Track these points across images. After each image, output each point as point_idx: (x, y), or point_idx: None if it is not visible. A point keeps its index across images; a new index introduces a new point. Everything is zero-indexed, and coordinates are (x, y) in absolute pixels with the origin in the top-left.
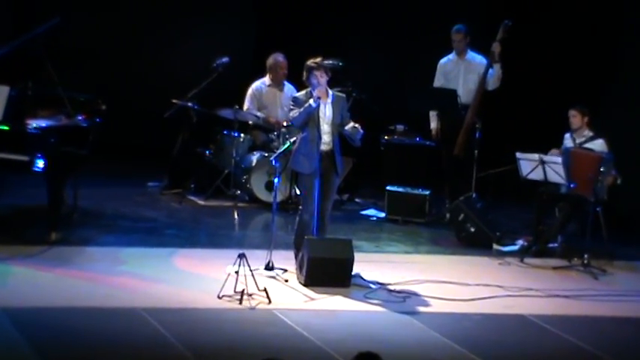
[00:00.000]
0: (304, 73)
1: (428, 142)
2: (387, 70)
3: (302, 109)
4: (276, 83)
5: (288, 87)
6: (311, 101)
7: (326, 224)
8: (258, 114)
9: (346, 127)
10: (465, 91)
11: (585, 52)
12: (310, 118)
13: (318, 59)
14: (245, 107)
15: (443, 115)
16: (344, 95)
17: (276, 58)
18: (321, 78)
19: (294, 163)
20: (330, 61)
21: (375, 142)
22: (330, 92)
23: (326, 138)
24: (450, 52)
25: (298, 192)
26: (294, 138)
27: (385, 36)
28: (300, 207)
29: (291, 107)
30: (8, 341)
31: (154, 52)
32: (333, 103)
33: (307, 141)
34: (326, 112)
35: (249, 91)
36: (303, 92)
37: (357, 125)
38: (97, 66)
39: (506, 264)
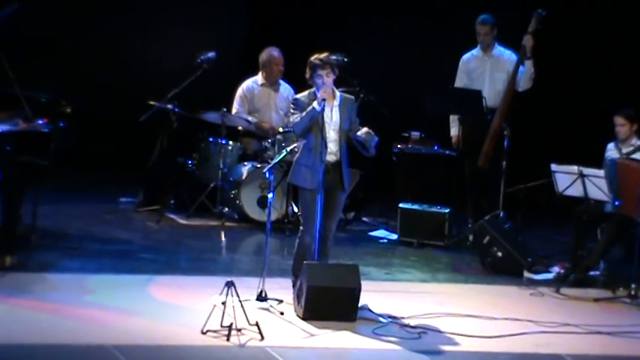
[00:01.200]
0: (307, 72)
1: (448, 152)
2: (399, 66)
3: (304, 114)
4: (271, 82)
5: (284, 87)
6: (315, 104)
7: (329, 247)
8: (250, 118)
9: (358, 133)
10: (492, 92)
11: (633, 47)
12: (314, 124)
13: (324, 55)
14: (234, 110)
15: (465, 120)
16: (352, 97)
17: (271, 53)
18: (327, 77)
19: (293, 176)
20: (335, 57)
21: (386, 151)
22: (338, 93)
23: (332, 147)
24: (474, 47)
25: (297, 210)
26: (293, 146)
27: (397, 27)
28: (300, 227)
29: (292, 111)
30: None
31: (129, 45)
32: (340, 105)
33: (310, 150)
34: (332, 117)
35: (239, 91)
36: (305, 93)
37: (370, 130)
38: (61, 60)
39: (539, 295)
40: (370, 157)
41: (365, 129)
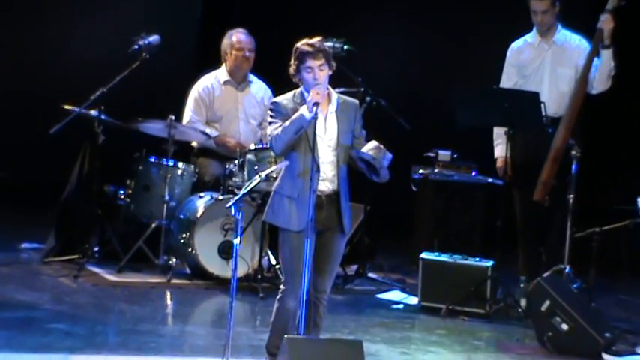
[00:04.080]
0: (292, 63)
1: (490, 180)
2: (421, 59)
3: (287, 123)
4: (237, 78)
5: (258, 85)
6: (302, 110)
7: (321, 315)
8: (208, 130)
9: (363, 149)
10: (554, 94)
11: None
12: (301, 138)
13: (315, 40)
14: (186, 119)
15: (516, 136)
16: (356, 101)
17: (236, 37)
18: (319, 71)
19: (271, 213)
20: (331, 44)
21: (402, 178)
22: (335, 95)
23: (327, 171)
24: (527, 31)
25: (275, 261)
26: (270, 170)
27: (419, 4)
28: (281, 286)
29: (269, 119)
30: None
31: (33, 29)
32: (338, 112)
33: (295, 176)
34: (327, 128)
35: (193, 92)
36: (288, 95)
37: (381, 145)
38: None
39: None
40: (382, 182)
41: (373, 143)
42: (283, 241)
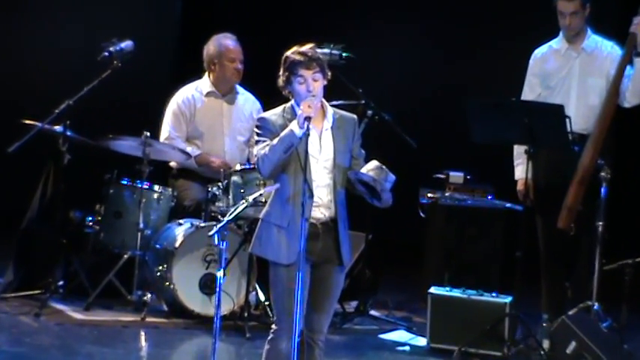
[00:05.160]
0: (281, 74)
1: (509, 205)
2: (428, 68)
3: (275, 141)
4: (223, 90)
5: (246, 97)
6: (293, 125)
7: (317, 358)
8: (188, 148)
9: (363, 170)
10: (582, 107)
11: None
12: (292, 158)
13: (308, 47)
14: (163, 135)
15: (538, 155)
16: (354, 116)
17: (222, 43)
18: (313, 82)
19: (259, 244)
20: (327, 50)
21: (409, 203)
22: (331, 110)
23: (322, 195)
24: (552, 37)
25: (264, 298)
26: (259, 193)
27: (428, 8)
28: (273, 326)
29: (256, 137)
30: None
31: None
32: (334, 129)
33: (285, 201)
34: (322, 147)
35: (172, 105)
36: (277, 110)
37: (382, 165)
38: None
39: None
40: (384, 207)
41: (373, 163)
42: (273, 276)
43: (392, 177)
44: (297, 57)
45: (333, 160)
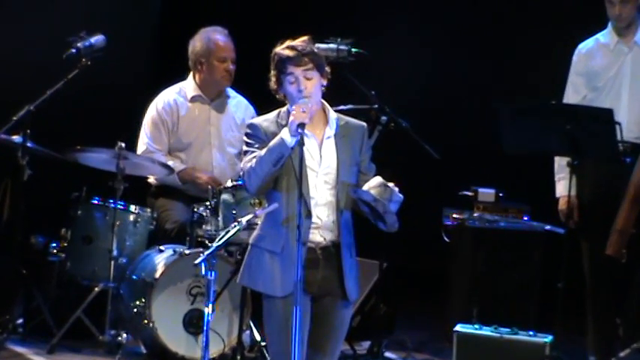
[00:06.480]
0: (272, 73)
1: (549, 227)
2: (452, 68)
3: (264, 152)
4: (211, 93)
5: (237, 101)
6: (284, 133)
7: None
8: (170, 162)
9: (365, 187)
10: (635, 112)
11: None
12: (285, 172)
13: (300, 41)
14: (141, 147)
15: (583, 168)
16: (362, 124)
17: (212, 39)
18: (306, 80)
19: (248, 274)
20: (332, 45)
21: (430, 224)
22: (333, 115)
23: (322, 215)
24: (599, 30)
25: (259, 337)
26: (252, 215)
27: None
28: None
29: (245, 147)
30: None
31: None
32: (338, 138)
33: (278, 223)
34: (322, 159)
35: (152, 111)
36: (269, 116)
37: (389, 184)
38: None
39: None
40: (391, 232)
41: (376, 179)
42: (267, 311)
43: (398, 197)
44: (286, 52)
45: (336, 174)
